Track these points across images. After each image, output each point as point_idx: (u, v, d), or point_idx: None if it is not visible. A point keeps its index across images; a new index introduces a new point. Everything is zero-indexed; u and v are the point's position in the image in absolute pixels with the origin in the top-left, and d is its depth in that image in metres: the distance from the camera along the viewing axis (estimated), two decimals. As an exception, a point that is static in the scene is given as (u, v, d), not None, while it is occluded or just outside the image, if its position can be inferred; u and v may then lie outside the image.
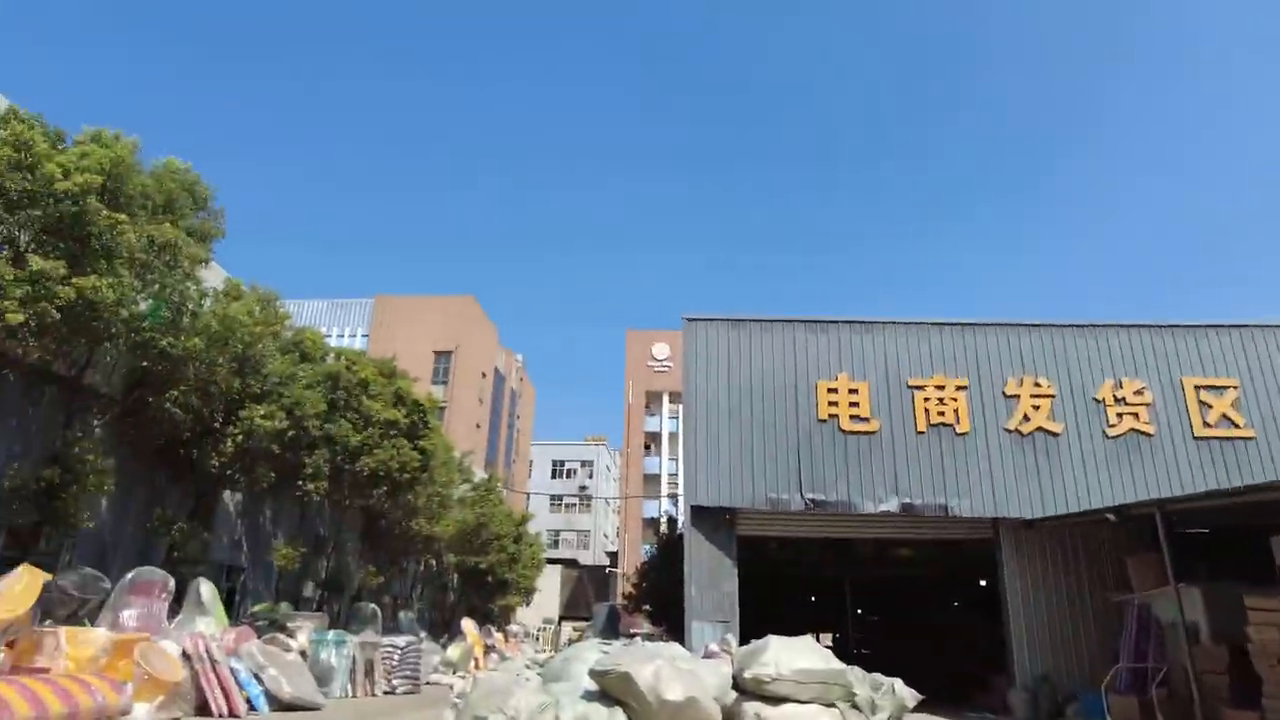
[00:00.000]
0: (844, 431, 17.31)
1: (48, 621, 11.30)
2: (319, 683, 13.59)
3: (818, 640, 10.47)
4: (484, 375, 54.21)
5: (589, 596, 56.69)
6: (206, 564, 18.02)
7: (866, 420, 17.39)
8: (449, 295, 54.24)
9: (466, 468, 31.19)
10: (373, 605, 21.16)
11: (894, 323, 18.25)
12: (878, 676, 8.33)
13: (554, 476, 69.37)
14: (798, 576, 27.09)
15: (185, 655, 11.13)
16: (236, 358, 15.32)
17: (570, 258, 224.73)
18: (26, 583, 9.56)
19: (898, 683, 8.29)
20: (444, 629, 32.41)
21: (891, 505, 16.76)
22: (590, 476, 68.98)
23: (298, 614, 18.35)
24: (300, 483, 18.43)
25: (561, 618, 56.00)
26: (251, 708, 11.39)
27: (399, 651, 17.32)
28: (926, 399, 17.56)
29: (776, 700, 7.33)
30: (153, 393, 14.65)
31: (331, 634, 15.60)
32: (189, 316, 13.86)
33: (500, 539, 32.42)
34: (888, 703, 7.89)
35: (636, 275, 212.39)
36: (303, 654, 14.15)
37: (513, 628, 35.94)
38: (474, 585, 33.73)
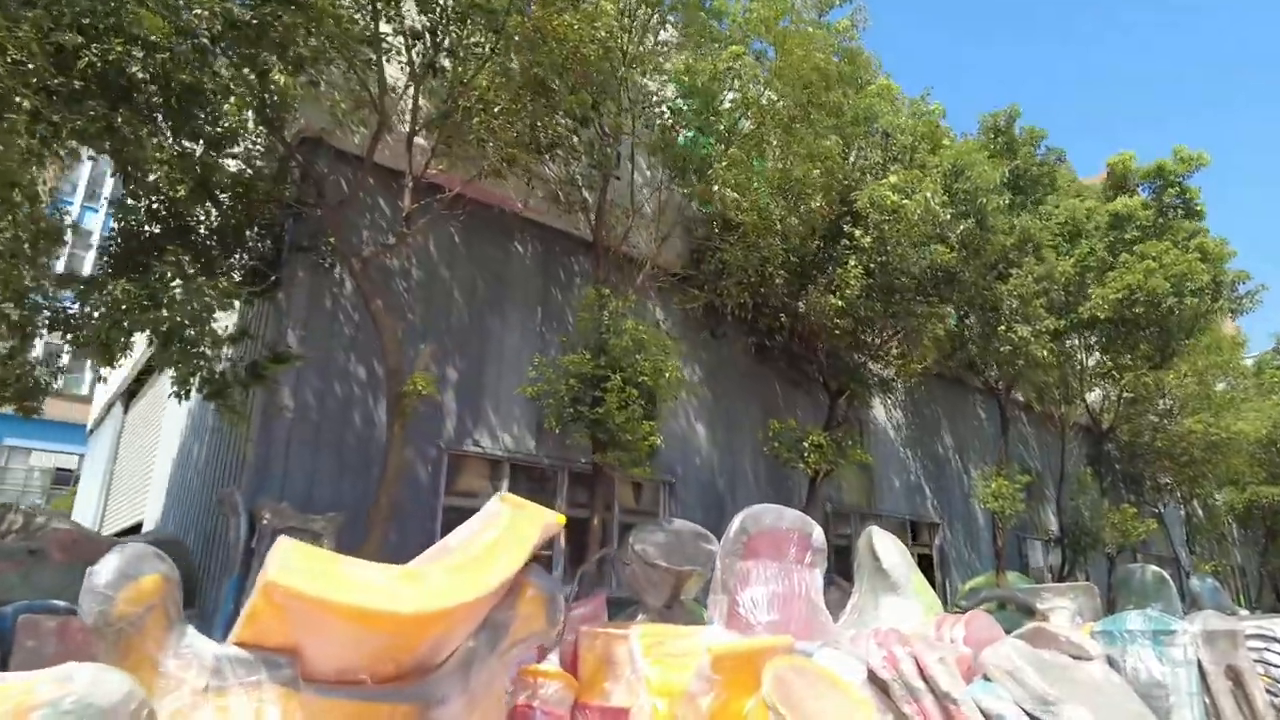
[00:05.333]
0: None
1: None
2: None
3: None
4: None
5: None
6: (876, 518, 12.14)
7: None
8: None
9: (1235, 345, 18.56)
10: (1154, 569, 12.70)
11: None
12: None
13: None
14: None
15: (874, 679, 4.84)
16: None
17: None
18: (509, 524, 4.31)
19: None
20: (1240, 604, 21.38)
21: None
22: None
23: (1041, 587, 11.25)
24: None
25: None
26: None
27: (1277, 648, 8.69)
28: None
29: None
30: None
31: (1135, 619, 7.89)
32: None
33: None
34: None
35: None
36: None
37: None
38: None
